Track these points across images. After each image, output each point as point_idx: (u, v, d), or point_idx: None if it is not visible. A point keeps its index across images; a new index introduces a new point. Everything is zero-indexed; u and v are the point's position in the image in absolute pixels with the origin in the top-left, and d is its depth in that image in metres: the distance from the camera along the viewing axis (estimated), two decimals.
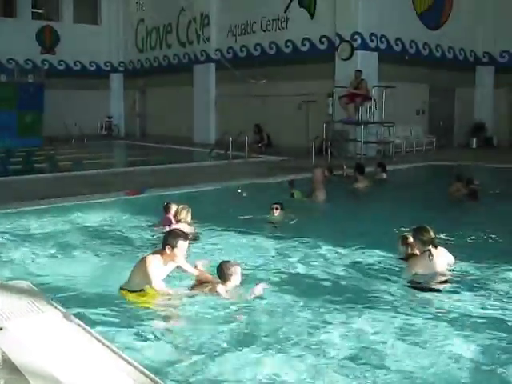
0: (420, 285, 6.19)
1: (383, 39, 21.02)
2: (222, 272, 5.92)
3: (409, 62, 21.72)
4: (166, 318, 5.55)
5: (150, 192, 11.99)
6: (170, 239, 5.83)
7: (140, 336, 4.94)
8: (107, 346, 4.29)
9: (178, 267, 6.06)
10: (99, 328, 4.80)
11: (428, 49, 23.11)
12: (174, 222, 8.37)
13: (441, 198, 11.82)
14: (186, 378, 4.21)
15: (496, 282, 6.39)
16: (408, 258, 6.64)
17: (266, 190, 12.50)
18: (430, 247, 6.33)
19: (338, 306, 5.60)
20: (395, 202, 11.65)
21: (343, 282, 6.50)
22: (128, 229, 9.04)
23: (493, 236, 8.54)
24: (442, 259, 6.47)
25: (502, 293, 6.05)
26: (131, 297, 5.79)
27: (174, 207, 8.60)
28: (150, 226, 9.08)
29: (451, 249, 6.84)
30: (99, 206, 10.62)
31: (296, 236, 8.44)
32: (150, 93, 31.07)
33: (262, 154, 19.93)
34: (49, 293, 5.55)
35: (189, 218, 8.40)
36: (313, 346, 4.71)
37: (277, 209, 9.49)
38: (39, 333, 4.54)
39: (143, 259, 5.86)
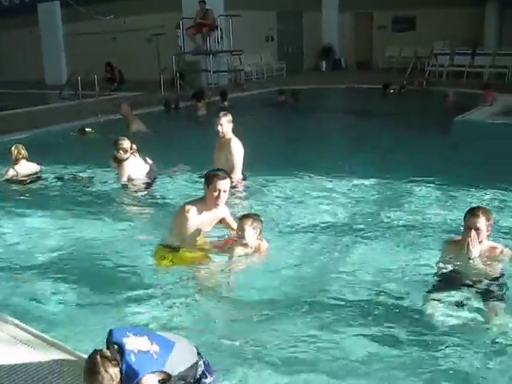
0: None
1: None
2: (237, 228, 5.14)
3: None
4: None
5: None
6: (205, 177, 5.17)
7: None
8: None
9: (221, 221, 5.41)
10: None
11: None
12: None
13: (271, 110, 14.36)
14: None
15: None
16: None
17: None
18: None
19: None
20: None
21: None
22: None
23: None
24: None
25: None
26: (161, 253, 5.16)
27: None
28: None
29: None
30: None
31: None
32: None
33: (114, 90, 19.73)
34: None
35: (25, 153, 8.40)
36: None
37: None
38: None
39: (179, 208, 5.22)
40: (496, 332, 4.02)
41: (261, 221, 5.10)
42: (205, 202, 5.07)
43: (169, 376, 2.91)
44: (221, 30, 19.46)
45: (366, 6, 25.10)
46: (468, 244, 4.32)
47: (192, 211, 4.97)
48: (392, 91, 16.65)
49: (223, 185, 4.99)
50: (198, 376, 3.06)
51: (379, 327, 4.11)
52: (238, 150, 7.36)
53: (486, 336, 3.99)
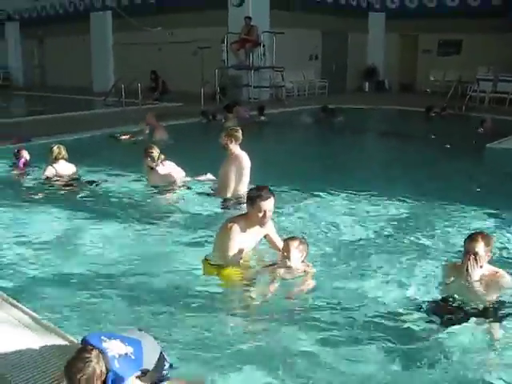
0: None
1: None
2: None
3: (301, 8, 22.26)
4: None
5: (36, 140, 12.18)
6: (248, 197, 5.08)
7: None
8: None
9: (265, 237, 5.34)
10: None
11: None
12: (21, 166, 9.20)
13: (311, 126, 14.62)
14: None
15: None
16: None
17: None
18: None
19: None
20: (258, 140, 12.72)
21: None
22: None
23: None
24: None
25: None
26: (209, 270, 5.11)
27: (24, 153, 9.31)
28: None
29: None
30: None
31: None
32: (48, 42, 30.31)
33: (156, 100, 20.20)
34: None
35: (65, 154, 8.83)
36: None
37: None
38: None
39: (223, 225, 5.09)
40: (495, 354, 4.05)
41: (307, 244, 5.02)
42: (249, 219, 4.99)
43: (146, 372, 3.01)
44: (264, 46, 19.73)
45: (412, 29, 25.10)
46: (467, 269, 4.34)
47: (235, 228, 4.89)
48: (434, 114, 16.59)
49: (267, 205, 4.90)
50: (163, 363, 3.17)
51: (378, 345, 4.14)
52: (231, 166, 7.32)
53: (485, 358, 4.01)
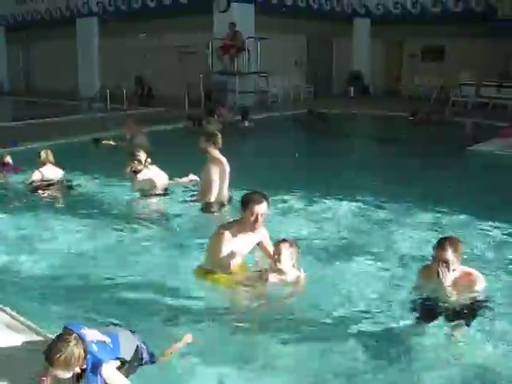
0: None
1: None
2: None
3: (286, 14, 22.33)
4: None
5: (20, 145, 12.18)
6: (241, 200, 5.08)
7: None
8: None
9: (258, 244, 5.29)
10: None
11: (305, 0, 23.88)
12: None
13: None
14: None
15: None
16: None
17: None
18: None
19: None
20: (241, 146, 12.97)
21: None
22: None
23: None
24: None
25: None
26: (200, 275, 5.13)
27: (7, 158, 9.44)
28: None
29: None
30: None
31: None
32: (34, 47, 30.24)
33: (142, 105, 20.25)
34: None
35: (52, 158, 8.89)
36: None
37: None
38: None
39: (215, 231, 5.09)
40: (468, 353, 4.15)
41: (298, 247, 5.01)
42: (242, 224, 4.99)
43: (124, 361, 3.14)
44: (248, 51, 19.82)
45: (396, 35, 25.29)
46: (438, 275, 4.36)
47: (227, 234, 4.90)
48: (416, 118, 16.68)
49: (260, 209, 4.90)
50: (140, 356, 3.32)
51: (363, 346, 4.24)
52: (207, 170, 7.40)
53: (458, 356, 4.10)
